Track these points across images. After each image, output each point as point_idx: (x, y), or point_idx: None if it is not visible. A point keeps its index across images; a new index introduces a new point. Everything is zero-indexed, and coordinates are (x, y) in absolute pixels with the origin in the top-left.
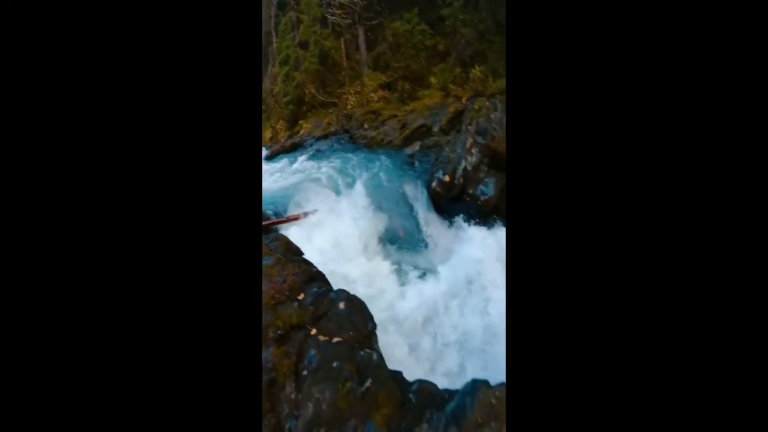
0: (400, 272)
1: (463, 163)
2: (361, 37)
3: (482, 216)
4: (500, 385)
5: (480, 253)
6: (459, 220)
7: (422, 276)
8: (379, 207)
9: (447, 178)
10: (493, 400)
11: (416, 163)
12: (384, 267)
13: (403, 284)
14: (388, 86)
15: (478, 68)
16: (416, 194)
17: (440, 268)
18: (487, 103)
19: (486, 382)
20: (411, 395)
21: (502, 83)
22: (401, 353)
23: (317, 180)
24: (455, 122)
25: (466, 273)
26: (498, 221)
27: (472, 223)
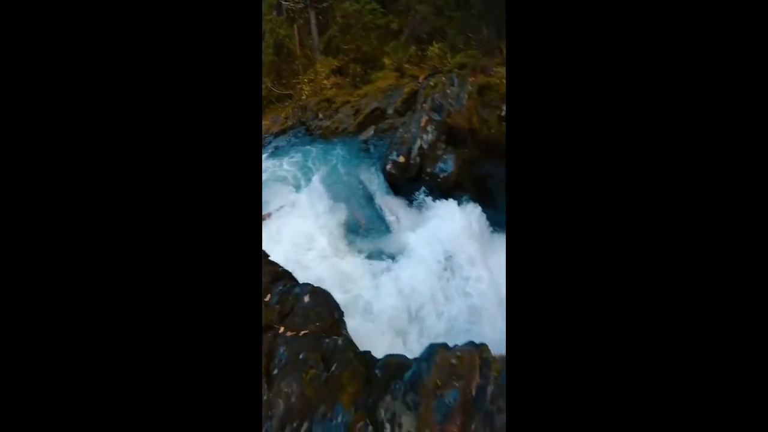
0: (369, 265)
1: (418, 142)
2: (313, 21)
3: (444, 193)
4: (465, 344)
5: (449, 229)
6: (420, 197)
7: (393, 260)
8: (337, 199)
9: (402, 159)
10: (453, 361)
11: (371, 149)
12: (353, 263)
13: (374, 276)
14: (340, 71)
15: (436, 45)
16: (372, 180)
17: (409, 252)
18: (444, 78)
19: (444, 345)
20: (377, 371)
21: (461, 58)
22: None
23: (282, 178)
24: (411, 102)
25: (440, 252)
26: (468, 199)
27: (433, 199)
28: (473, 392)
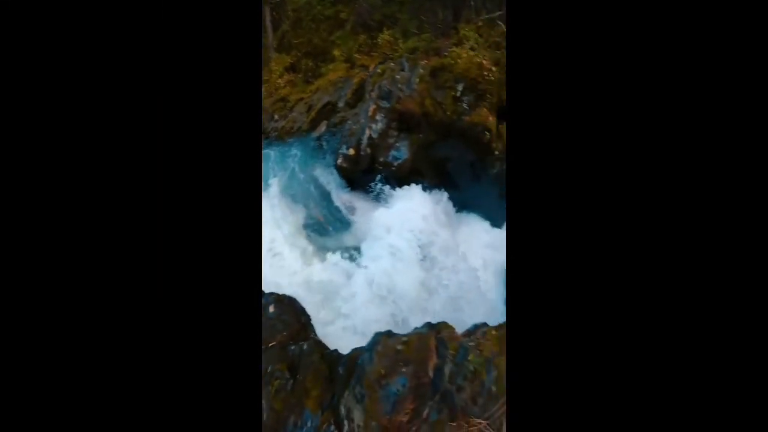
0: (337, 265)
1: (367, 132)
2: (267, 18)
3: (401, 181)
4: (420, 326)
5: (409, 217)
6: (377, 187)
7: (360, 256)
8: (296, 202)
9: (352, 152)
10: (399, 347)
11: (324, 145)
12: (321, 266)
13: (348, 276)
14: (293, 68)
15: (387, 32)
16: (327, 177)
17: (376, 248)
18: (392, 64)
19: (388, 332)
20: (340, 368)
21: (413, 43)
22: None
23: None
24: (361, 93)
25: (408, 243)
26: (426, 184)
27: (391, 188)
28: (430, 374)
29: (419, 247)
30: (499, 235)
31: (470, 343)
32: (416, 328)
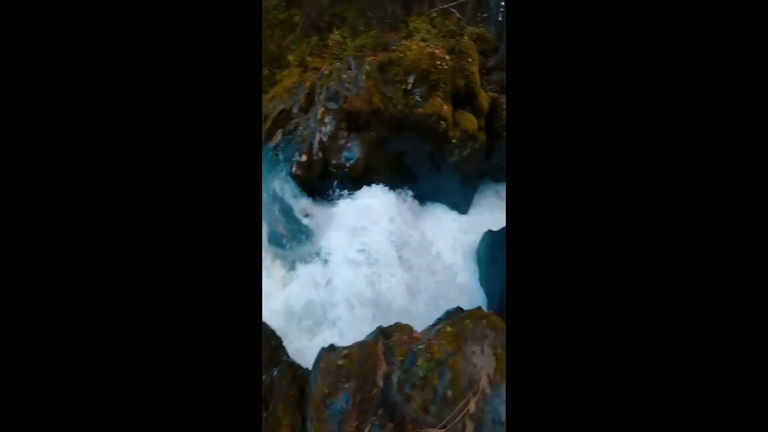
0: (307, 276)
1: (318, 136)
2: None
3: (357, 181)
4: (352, 344)
5: (369, 218)
6: (336, 192)
7: (326, 265)
8: None
9: (304, 158)
10: (340, 362)
11: (280, 155)
12: (293, 283)
13: (316, 287)
14: None
15: (336, 32)
16: (284, 187)
17: (336, 255)
18: (339, 64)
19: (330, 347)
20: (307, 389)
21: (361, 40)
22: None
23: None
24: (313, 96)
25: (360, 247)
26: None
27: (348, 191)
28: (380, 384)
29: (392, 249)
30: (466, 220)
31: (419, 347)
32: (367, 335)
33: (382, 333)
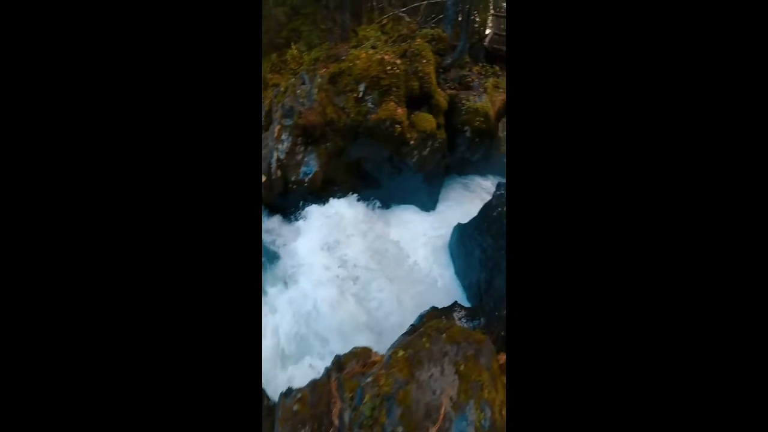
0: (283, 301)
1: (275, 154)
2: None
3: (317, 194)
4: (306, 385)
5: (334, 232)
6: (300, 209)
7: (295, 286)
8: None
9: (264, 178)
10: (295, 407)
11: None
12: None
13: (291, 306)
14: None
15: (294, 47)
16: None
17: (306, 276)
18: (293, 79)
19: (287, 391)
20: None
21: (316, 53)
22: None
23: None
24: (272, 114)
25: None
26: (342, 191)
27: (310, 205)
28: (336, 422)
29: (368, 261)
30: (436, 217)
31: (367, 380)
32: (316, 379)
33: (338, 363)
